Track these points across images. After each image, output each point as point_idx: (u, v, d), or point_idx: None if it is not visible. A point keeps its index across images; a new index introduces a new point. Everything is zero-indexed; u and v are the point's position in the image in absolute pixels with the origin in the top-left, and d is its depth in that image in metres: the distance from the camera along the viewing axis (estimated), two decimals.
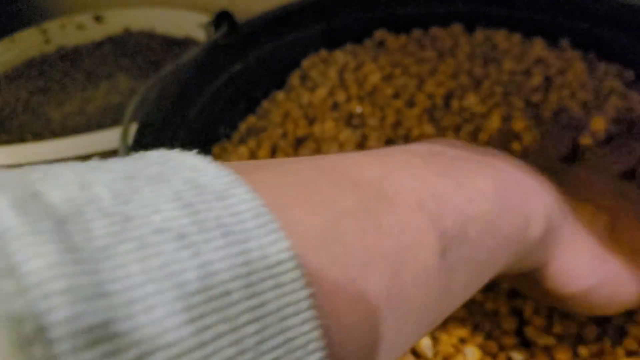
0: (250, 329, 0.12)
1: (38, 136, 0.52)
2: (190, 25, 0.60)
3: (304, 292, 0.12)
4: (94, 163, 0.13)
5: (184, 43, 0.62)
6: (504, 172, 0.20)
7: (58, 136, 0.50)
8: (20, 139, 0.52)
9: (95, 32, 0.65)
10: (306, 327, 0.12)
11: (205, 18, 0.56)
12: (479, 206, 0.17)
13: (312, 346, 0.12)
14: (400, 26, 0.47)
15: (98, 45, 0.64)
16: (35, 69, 0.61)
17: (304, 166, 0.16)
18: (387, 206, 0.15)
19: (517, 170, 0.20)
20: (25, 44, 0.63)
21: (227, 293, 0.11)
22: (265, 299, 0.12)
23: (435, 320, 0.17)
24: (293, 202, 0.14)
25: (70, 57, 0.63)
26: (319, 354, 0.13)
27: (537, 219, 0.20)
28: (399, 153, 0.18)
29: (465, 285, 0.18)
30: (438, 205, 0.16)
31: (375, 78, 0.41)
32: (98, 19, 0.64)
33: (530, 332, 0.27)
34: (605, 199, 0.24)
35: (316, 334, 0.13)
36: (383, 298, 0.14)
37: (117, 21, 0.65)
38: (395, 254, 0.15)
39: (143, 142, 0.35)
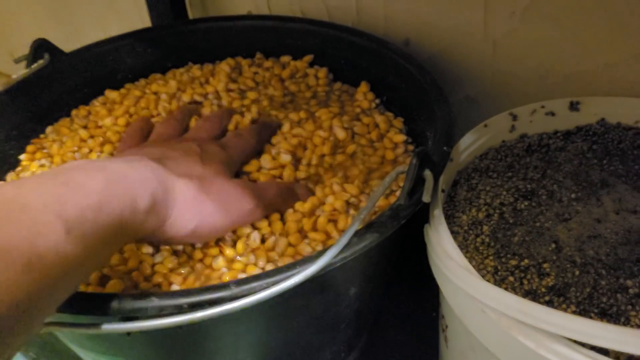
0: None
1: None
2: None
3: None
4: None
5: None
6: (113, 173, 0.30)
7: None
8: None
9: None
10: None
11: None
12: (92, 198, 0.27)
13: None
14: None
15: None
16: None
17: None
18: (20, 210, 0.24)
19: (125, 171, 0.31)
20: None
21: None
22: None
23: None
24: None
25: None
26: None
27: (142, 197, 0.31)
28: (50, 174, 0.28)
29: (103, 241, 0.28)
30: (60, 203, 0.26)
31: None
32: None
33: None
34: (196, 171, 0.37)
35: None
36: (20, 267, 0.23)
37: None
38: (27, 239, 0.23)
39: None
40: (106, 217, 0.28)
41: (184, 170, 0.37)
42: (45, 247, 0.24)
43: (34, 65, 0.49)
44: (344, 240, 0.29)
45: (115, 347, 0.34)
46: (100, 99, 0.53)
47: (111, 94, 0.53)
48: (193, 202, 0.35)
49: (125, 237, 0.30)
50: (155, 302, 0.27)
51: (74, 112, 0.52)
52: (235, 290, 0.27)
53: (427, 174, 0.32)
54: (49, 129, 0.50)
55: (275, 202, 0.40)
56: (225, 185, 0.38)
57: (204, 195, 0.36)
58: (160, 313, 0.27)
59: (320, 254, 0.28)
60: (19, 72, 0.48)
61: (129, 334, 0.30)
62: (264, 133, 0.47)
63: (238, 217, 0.37)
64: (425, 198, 0.31)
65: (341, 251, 0.28)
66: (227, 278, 0.35)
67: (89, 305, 0.27)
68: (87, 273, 0.29)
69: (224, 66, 0.55)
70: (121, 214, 0.29)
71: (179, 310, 0.27)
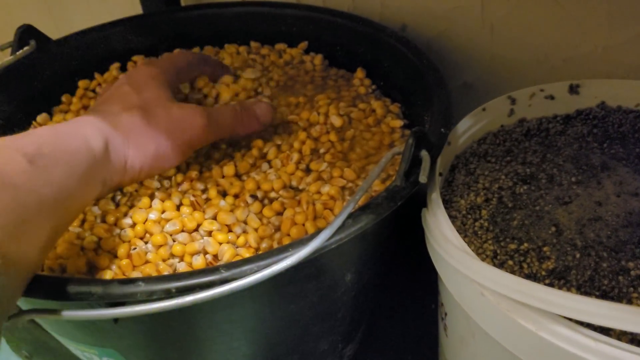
0: None
1: None
2: None
3: None
4: None
5: None
6: (63, 123, 0.34)
7: None
8: None
9: None
10: None
11: None
12: (44, 138, 0.31)
13: None
14: None
15: None
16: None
17: None
18: None
19: (68, 121, 0.34)
20: None
21: None
22: None
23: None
24: None
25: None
26: None
27: (94, 137, 0.33)
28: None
29: (68, 174, 0.30)
30: (16, 143, 0.29)
31: None
32: None
33: None
34: (132, 101, 0.38)
35: None
36: None
37: None
38: None
39: None
40: (63, 151, 0.31)
41: (120, 105, 0.38)
42: (13, 170, 0.27)
43: (19, 52, 0.47)
44: (338, 221, 0.28)
45: (105, 337, 0.33)
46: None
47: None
48: (144, 129, 0.37)
49: (93, 173, 0.33)
50: (142, 286, 0.26)
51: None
52: (225, 273, 0.26)
53: (424, 154, 0.31)
54: (40, 118, 0.49)
55: (229, 123, 0.40)
56: (169, 108, 0.38)
57: (150, 120, 0.37)
58: (148, 298, 0.26)
59: (313, 236, 0.27)
60: (4, 59, 0.47)
61: (116, 320, 0.29)
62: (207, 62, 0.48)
63: (192, 135, 0.38)
64: (422, 178, 0.30)
65: (335, 233, 0.28)
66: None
67: (74, 292, 0.26)
68: (66, 212, 0.30)
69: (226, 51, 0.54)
70: (78, 148, 0.32)
71: (168, 294, 0.26)
